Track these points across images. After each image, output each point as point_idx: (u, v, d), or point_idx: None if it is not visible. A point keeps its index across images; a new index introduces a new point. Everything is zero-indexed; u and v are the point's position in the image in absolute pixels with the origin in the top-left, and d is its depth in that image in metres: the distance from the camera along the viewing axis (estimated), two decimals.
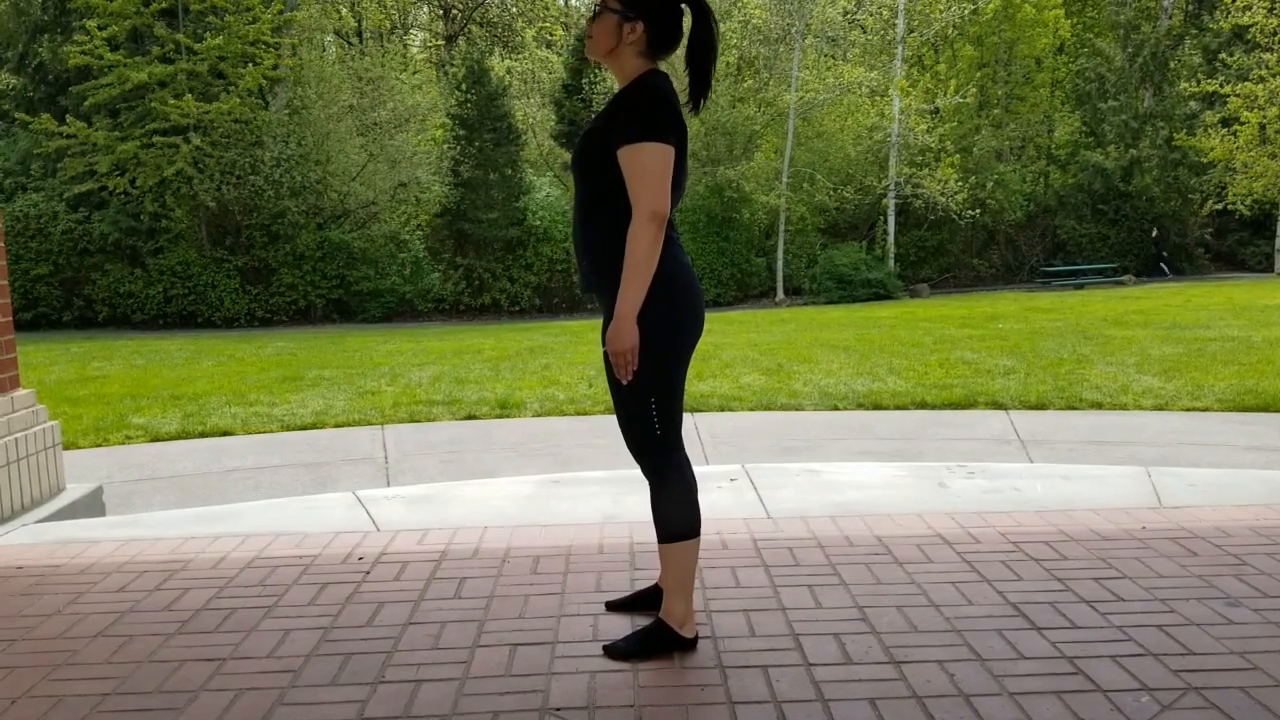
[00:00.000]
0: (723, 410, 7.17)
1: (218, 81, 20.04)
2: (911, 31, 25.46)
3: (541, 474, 5.01)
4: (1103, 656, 2.47)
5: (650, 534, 2.99)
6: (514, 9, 34.76)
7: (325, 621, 2.81)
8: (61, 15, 20.96)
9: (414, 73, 25.78)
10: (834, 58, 24.52)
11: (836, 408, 7.17)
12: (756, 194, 22.07)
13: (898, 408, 7.10)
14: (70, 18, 20.29)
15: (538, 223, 21.65)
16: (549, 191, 22.89)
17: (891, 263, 23.75)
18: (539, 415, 7.19)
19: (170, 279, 20.31)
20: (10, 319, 4.27)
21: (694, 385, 8.05)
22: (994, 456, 5.77)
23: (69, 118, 19.39)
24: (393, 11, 33.66)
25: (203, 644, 2.67)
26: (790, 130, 22.53)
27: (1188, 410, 6.79)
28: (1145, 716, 2.17)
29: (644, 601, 2.79)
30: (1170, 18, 27.67)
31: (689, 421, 6.51)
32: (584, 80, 22.78)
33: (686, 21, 2.47)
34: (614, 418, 2.55)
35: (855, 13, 25.09)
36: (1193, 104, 25.03)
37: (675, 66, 2.54)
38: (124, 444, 6.59)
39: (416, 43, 36.13)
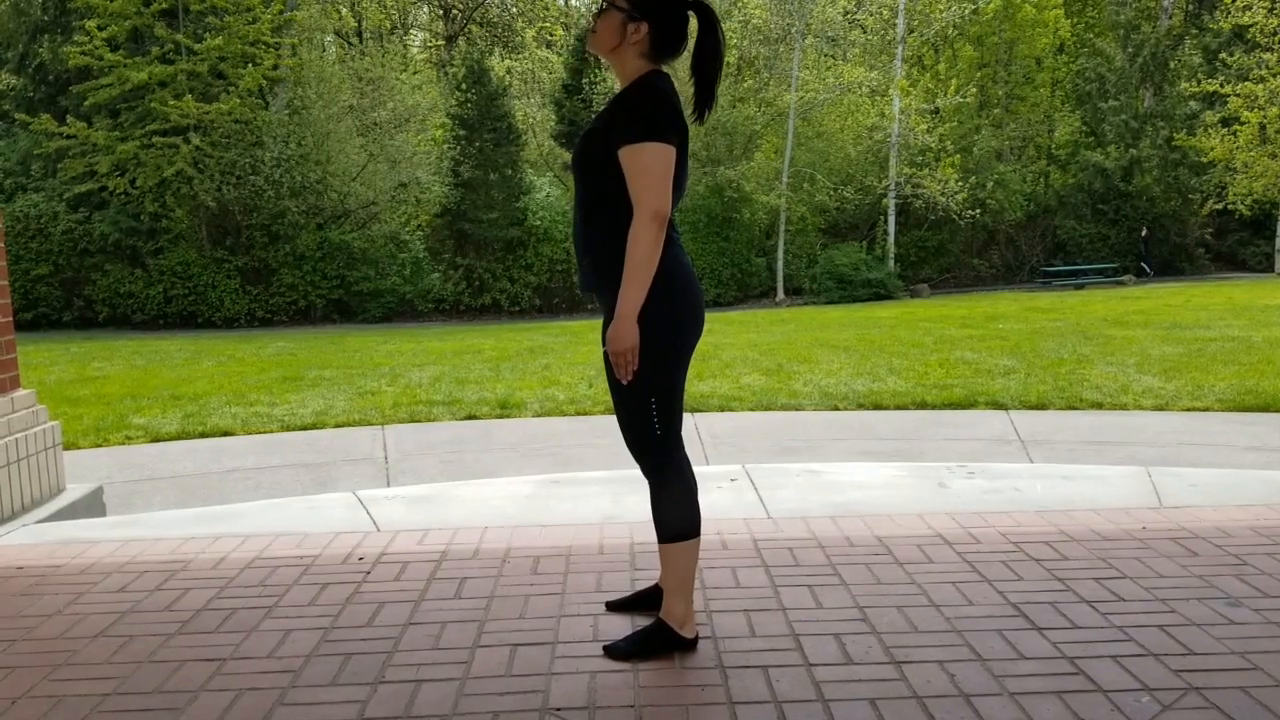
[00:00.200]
0: (723, 410, 7.17)
1: (218, 82, 20.04)
2: (911, 31, 25.47)
3: (542, 474, 5.01)
4: (1103, 656, 2.46)
5: (650, 534, 3.00)
6: (514, 9, 34.77)
7: (325, 622, 2.80)
8: (61, 15, 20.97)
9: (414, 73, 25.79)
10: (834, 58, 24.53)
11: (837, 408, 7.17)
12: (757, 194, 22.07)
13: (898, 408, 7.09)
14: (70, 18, 20.29)
15: (538, 223, 21.66)
16: (549, 192, 22.90)
17: (892, 263, 23.75)
18: (539, 415, 7.19)
19: (170, 279, 20.32)
20: (10, 319, 4.27)
21: (694, 385, 8.05)
22: (994, 456, 5.77)
23: (69, 118, 19.40)
24: (393, 11, 33.66)
25: (203, 644, 2.67)
26: (790, 130, 22.53)
27: (1188, 410, 6.79)
28: (1146, 716, 2.17)
29: (644, 602, 2.79)
30: (1170, 18, 27.68)
31: (689, 421, 6.51)
32: (584, 80, 22.78)
33: (691, 28, 2.47)
34: (614, 418, 2.55)
35: (855, 13, 25.09)
36: (1193, 104, 25.04)
37: (679, 75, 2.54)
38: (124, 444, 6.58)
39: (416, 43, 36.14)
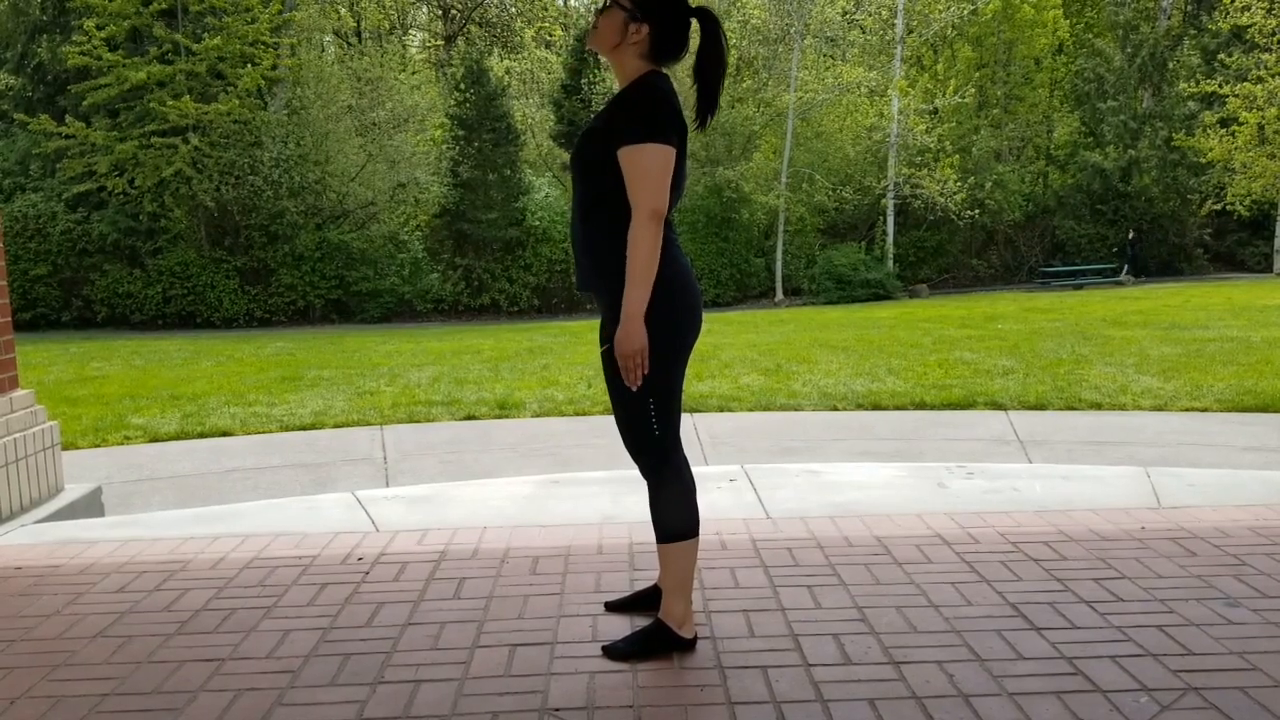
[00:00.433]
0: (722, 411, 7.17)
1: (216, 82, 20.03)
2: (910, 32, 25.48)
3: (541, 474, 5.01)
4: (1102, 657, 2.47)
5: (649, 534, 2.99)
6: (513, 9, 34.77)
7: (324, 622, 2.80)
8: (60, 15, 20.97)
9: (413, 73, 25.78)
10: (833, 58, 24.53)
11: (836, 408, 7.17)
12: (755, 194, 22.08)
13: (897, 408, 7.10)
14: (69, 18, 20.29)
15: (537, 223, 21.66)
16: (548, 192, 22.90)
17: (890, 263, 23.76)
18: (538, 416, 7.19)
19: (169, 279, 20.31)
20: (9, 319, 4.26)
21: (693, 386, 8.05)
22: (993, 457, 5.78)
23: (68, 118, 19.39)
24: (391, 12, 33.65)
25: (202, 644, 2.67)
26: (789, 130, 22.54)
27: (1187, 410, 6.79)
28: (1145, 717, 2.17)
29: (643, 602, 2.79)
30: (1169, 18, 27.70)
31: (688, 422, 6.51)
32: (583, 80, 22.78)
33: (694, 36, 2.48)
34: (612, 418, 2.55)
35: (854, 13, 25.10)
36: (1191, 104, 25.05)
37: (681, 80, 2.54)
38: (123, 444, 6.58)
39: (415, 43, 36.13)
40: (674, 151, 2.33)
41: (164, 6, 19.44)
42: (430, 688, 2.37)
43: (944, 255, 25.36)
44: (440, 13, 35.49)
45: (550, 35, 32.57)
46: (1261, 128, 22.83)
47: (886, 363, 9.34)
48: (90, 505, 4.42)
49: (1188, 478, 4.32)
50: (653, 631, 2.54)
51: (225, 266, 20.56)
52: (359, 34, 31.00)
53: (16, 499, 4.04)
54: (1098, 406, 6.96)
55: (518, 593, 2.99)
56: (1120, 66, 26.01)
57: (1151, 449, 5.83)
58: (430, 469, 5.91)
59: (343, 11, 29.40)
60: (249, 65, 20.04)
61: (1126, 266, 24.63)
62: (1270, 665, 2.41)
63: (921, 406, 7.11)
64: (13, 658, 2.62)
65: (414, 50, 34.75)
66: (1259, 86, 22.70)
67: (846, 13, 24.39)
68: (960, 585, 2.98)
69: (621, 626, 2.70)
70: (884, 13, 25.11)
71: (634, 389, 2.38)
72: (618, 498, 4.12)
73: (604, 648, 2.55)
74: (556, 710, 2.25)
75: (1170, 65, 26.01)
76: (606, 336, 2.47)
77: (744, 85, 23.55)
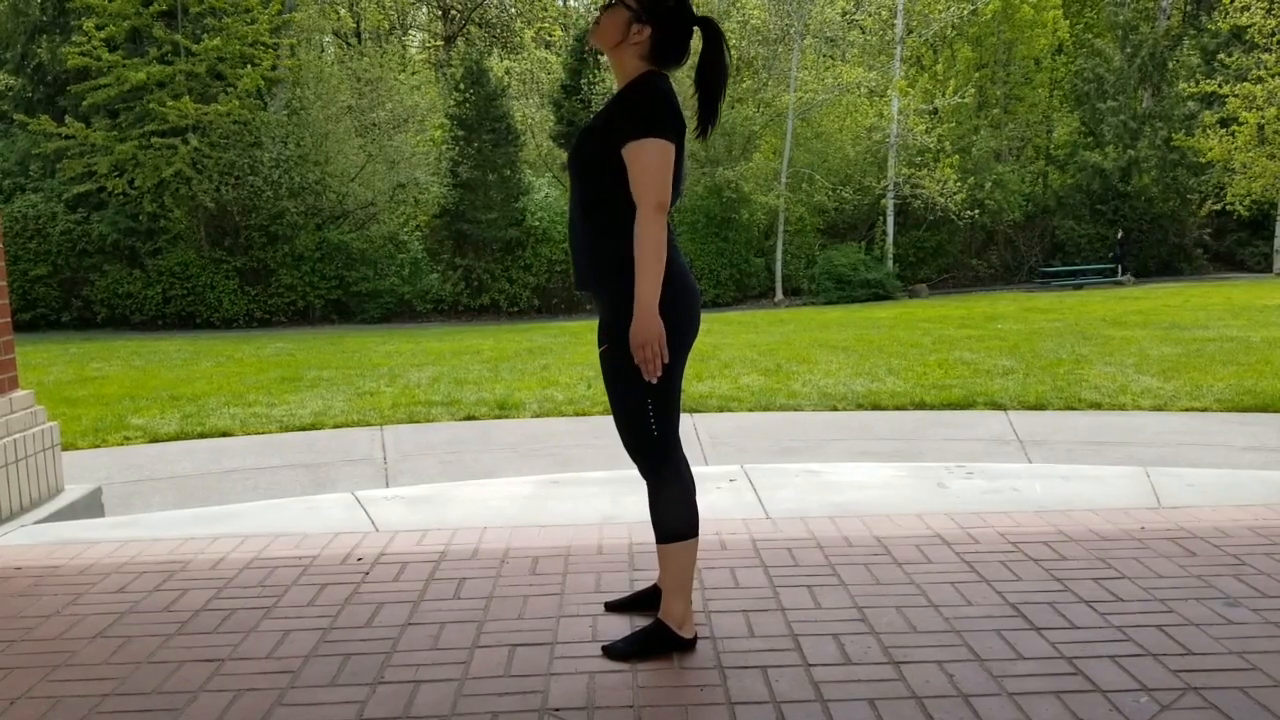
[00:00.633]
0: (722, 411, 7.17)
1: (216, 82, 20.03)
2: (910, 32, 25.48)
3: (540, 474, 5.01)
4: (1102, 657, 2.47)
5: (649, 534, 2.99)
6: (513, 9, 34.77)
7: (324, 622, 2.80)
8: (60, 16, 20.96)
9: (413, 73, 25.77)
10: (833, 58, 24.53)
11: (835, 408, 7.17)
12: (755, 194, 22.07)
13: (897, 408, 7.10)
14: (69, 18, 20.28)
15: (537, 223, 21.66)
16: (548, 192, 22.90)
17: (890, 263, 23.75)
18: (538, 416, 7.19)
19: (169, 280, 20.31)
20: (9, 319, 4.26)
21: (693, 386, 8.05)
22: (993, 457, 5.78)
23: (68, 118, 19.38)
24: (391, 12, 33.66)
25: (202, 645, 2.67)
26: (789, 131, 22.54)
27: (1187, 410, 6.79)
28: (1144, 717, 2.17)
29: (643, 602, 2.79)
30: (1169, 18, 27.70)
31: (688, 422, 6.51)
32: (583, 81, 22.77)
33: (696, 43, 2.48)
34: (612, 418, 2.55)
35: (854, 13, 25.10)
36: (1191, 104, 25.05)
37: (682, 84, 2.55)
38: (123, 445, 6.58)
39: (415, 43, 36.13)
40: (674, 147, 2.33)
41: (164, 7, 19.43)
42: (430, 688, 2.37)
43: (944, 255, 25.36)
44: (440, 13, 35.49)
45: (550, 35, 32.58)
46: (1261, 128, 22.83)
47: (886, 363, 9.34)
48: (90, 506, 4.42)
49: (1187, 478, 4.32)
50: (653, 631, 2.54)
51: (225, 267, 20.55)
52: (359, 34, 31.00)
53: (16, 499, 4.04)
54: (1097, 406, 6.96)
55: (518, 593, 2.99)
56: (1120, 66, 26.01)
57: (1151, 449, 5.83)
58: (430, 469, 5.91)
59: (342, 12, 29.40)
60: (249, 66, 20.03)
61: (1120, 266, 24.64)
62: (1270, 665, 2.41)
63: (921, 406, 7.11)
64: (13, 658, 2.62)
65: (414, 50, 34.76)
66: (1259, 86, 22.69)
67: (846, 13, 24.39)
68: (960, 585, 2.98)
69: (621, 626, 2.70)
70: (884, 13, 25.11)
71: (654, 380, 2.38)
72: (617, 498, 4.12)
73: (604, 648, 2.55)
74: (556, 710, 2.25)
75: (1170, 65, 26.01)
76: (605, 337, 2.47)
77: (744, 85, 23.54)
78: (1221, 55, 23.97)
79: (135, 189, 19.62)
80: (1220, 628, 2.64)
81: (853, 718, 2.19)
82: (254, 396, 8.38)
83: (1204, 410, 6.78)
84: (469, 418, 7.18)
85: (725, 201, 22.23)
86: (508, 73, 26.58)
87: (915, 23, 25.51)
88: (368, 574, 3.21)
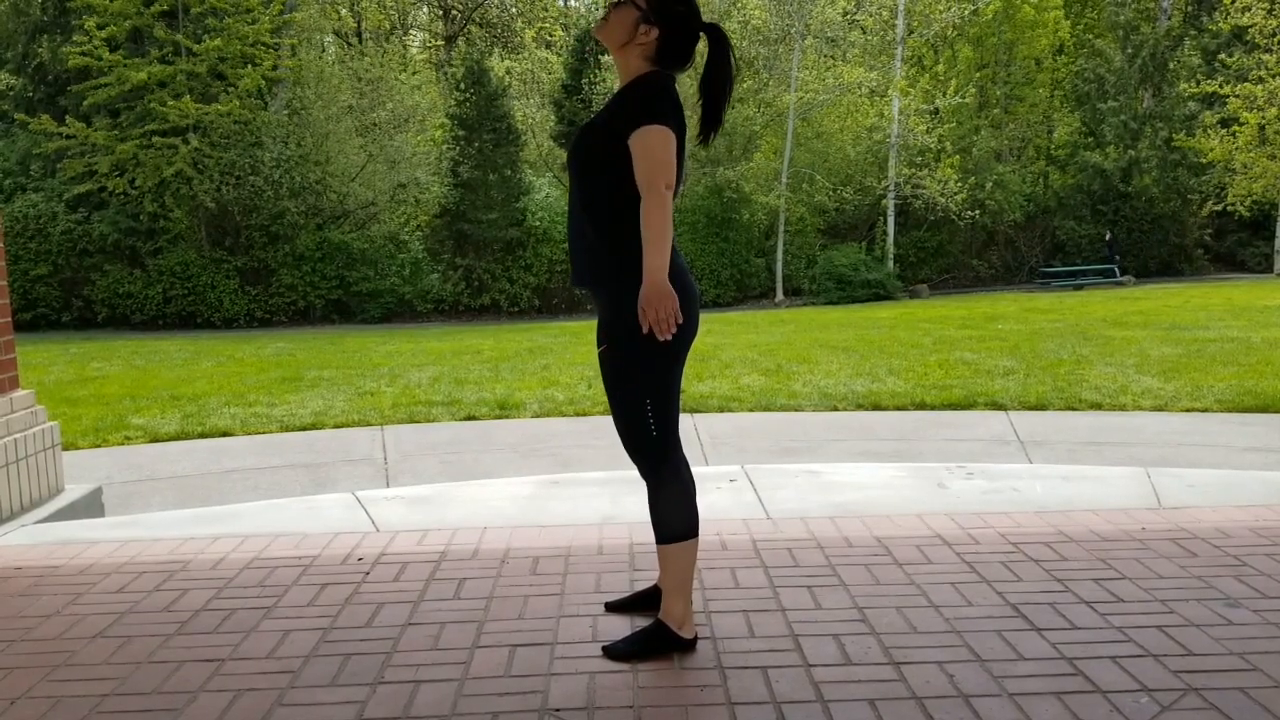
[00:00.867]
0: (722, 411, 7.17)
1: (217, 82, 20.03)
2: (911, 32, 25.47)
3: (541, 475, 5.01)
4: (1102, 657, 2.46)
5: (649, 534, 3.00)
6: (513, 9, 34.77)
7: (324, 622, 2.80)
8: (61, 15, 20.96)
9: (413, 73, 25.79)
10: (833, 58, 24.52)
11: (836, 408, 7.17)
12: (756, 194, 22.07)
13: (897, 408, 7.09)
14: (70, 18, 20.28)
15: (537, 223, 21.65)
16: (548, 192, 22.89)
17: (891, 263, 23.75)
18: (538, 416, 7.19)
19: (170, 279, 20.31)
20: (9, 319, 4.26)
21: (693, 386, 8.05)
22: (993, 457, 5.77)
23: (68, 118, 19.38)
24: (392, 12, 33.68)
25: (202, 645, 2.67)
26: (790, 131, 22.53)
27: (1187, 411, 6.79)
28: (1145, 717, 2.17)
29: (643, 602, 2.79)
30: (1170, 18, 27.69)
31: (688, 422, 6.51)
32: (583, 80, 22.77)
33: (702, 48, 2.49)
34: (612, 418, 2.55)
35: (855, 13, 25.09)
36: (1192, 105, 25.05)
37: (687, 93, 2.56)
38: (123, 444, 6.58)
39: (416, 43, 36.14)
40: (674, 135, 2.34)
41: (165, 7, 19.44)
42: (430, 688, 2.37)
43: (944, 255, 25.36)
44: (440, 13, 35.50)
45: (551, 35, 32.58)
46: (1262, 128, 22.83)
47: (887, 363, 9.34)
48: (90, 505, 4.42)
49: (1188, 478, 4.32)
50: (653, 632, 2.54)
51: (226, 267, 20.55)
52: (359, 34, 31.02)
53: (16, 499, 4.04)
54: (1098, 407, 6.96)
55: (518, 593, 2.99)
56: (1120, 67, 26.01)
57: (1151, 449, 5.83)
58: (430, 469, 5.91)
59: (343, 12, 29.42)
60: (249, 66, 20.03)
61: (1117, 270, 24.64)
62: (1270, 665, 2.41)
63: (922, 407, 7.11)
64: (13, 658, 2.62)
65: (414, 50, 34.76)
66: (1259, 87, 22.69)
67: (847, 13, 24.38)
68: (960, 586, 2.98)
69: (621, 627, 2.70)
70: (884, 13, 25.10)
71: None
72: (618, 498, 4.12)
73: (604, 648, 2.55)
74: (557, 710, 2.25)
75: (1170, 65, 26.01)
76: (605, 337, 2.47)
77: (745, 85, 23.53)
78: (1222, 55, 23.97)
79: (136, 189, 19.62)
80: (1221, 628, 2.63)
81: (853, 718, 2.19)
82: (254, 396, 8.38)
83: (1204, 411, 6.78)
84: (469, 418, 7.18)
85: (726, 201, 22.23)
86: (508, 73, 26.58)
87: (916, 23, 25.51)
88: (368, 574, 3.20)
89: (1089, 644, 2.54)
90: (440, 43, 35.33)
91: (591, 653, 2.54)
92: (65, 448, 5.39)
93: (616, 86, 2.50)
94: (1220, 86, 23.02)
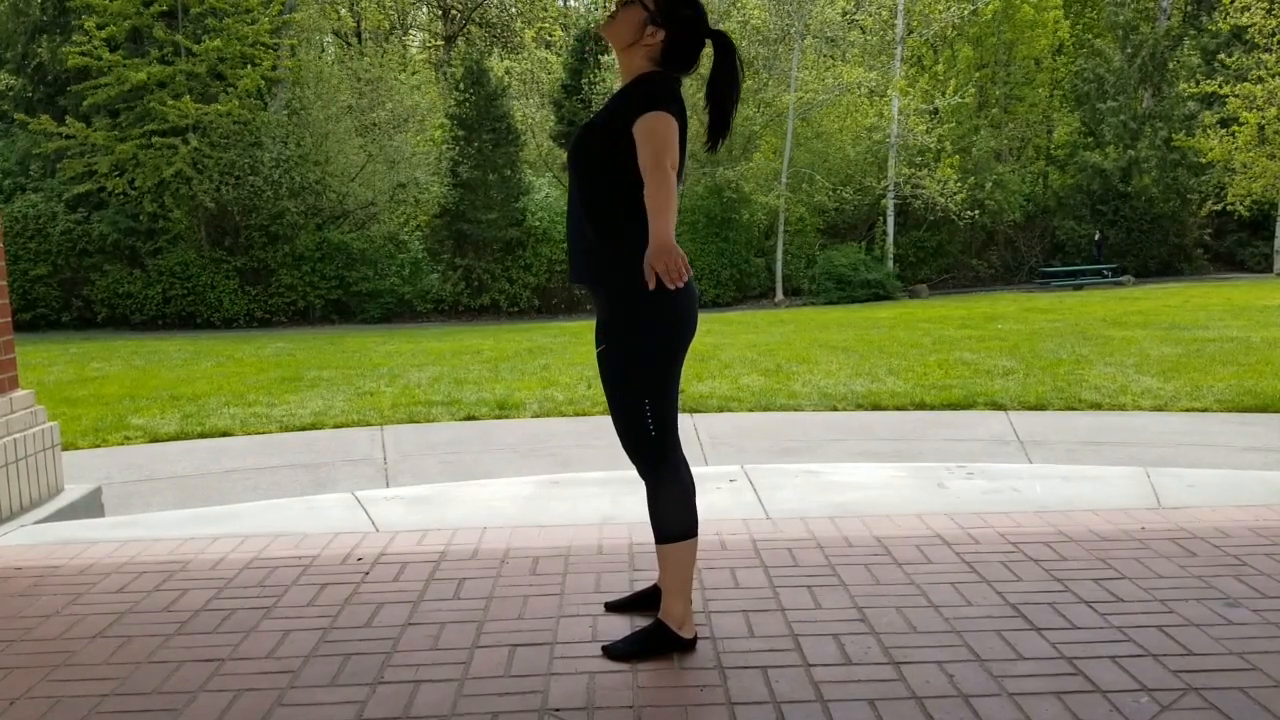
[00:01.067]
0: (721, 411, 7.17)
1: (216, 83, 20.04)
2: (911, 32, 25.48)
3: (540, 475, 5.00)
4: (1102, 657, 2.47)
5: (649, 534, 3.00)
6: (513, 9, 34.76)
7: (324, 622, 2.80)
8: (60, 15, 20.96)
9: (413, 73, 25.79)
10: (833, 58, 24.53)
11: (835, 408, 7.17)
12: (755, 194, 22.07)
13: (897, 408, 7.10)
14: (69, 18, 20.28)
15: (537, 223, 21.66)
16: (548, 192, 22.90)
17: (890, 263, 23.76)
18: (538, 416, 7.19)
19: (169, 279, 20.31)
20: (9, 319, 4.26)
21: (693, 386, 8.05)
22: (993, 457, 5.77)
23: (68, 118, 19.39)
24: (391, 12, 33.67)
25: (202, 645, 2.67)
26: (789, 131, 22.53)
27: (1187, 411, 6.79)
28: (1145, 717, 2.17)
29: (643, 602, 2.79)
30: (1169, 18, 27.70)
31: (688, 422, 6.51)
32: (583, 80, 22.78)
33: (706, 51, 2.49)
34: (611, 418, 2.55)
35: (854, 13, 25.09)
36: (1191, 105, 25.06)
37: (695, 105, 2.58)
38: (123, 445, 6.58)
39: (415, 43, 36.14)
40: (674, 121, 2.34)
41: (164, 7, 19.44)
42: (430, 688, 2.37)
43: (944, 255, 25.37)
44: (440, 13, 35.49)
45: (550, 35, 32.58)
46: (1262, 128, 22.84)
47: (886, 363, 9.34)
48: (90, 505, 4.42)
49: (1188, 478, 4.32)
50: (652, 632, 2.54)
51: (225, 267, 20.56)
52: (359, 34, 31.01)
53: (16, 499, 4.04)
54: (1098, 407, 6.96)
55: (518, 593, 2.99)
56: (1120, 67, 26.02)
57: (1151, 449, 5.83)
58: (430, 469, 5.91)
59: (343, 12, 29.42)
60: (249, 66, 20.04)
61: (1105, 273, 24.63)
62: (1270, 665, 2.41)
63: (921, 407, 7.11)
64: (13, 658, 2.62)
65: (414, 50, 34.77)
66: (1259, 86, 22.69)
67: (846, 13, 24.38)
68: (960, 585, 2.98)
69: (621, 627, 2.70)
70: (884, 13, 25.11)
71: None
72: (617, 498, 4.12)
73: (604, 648, 2.55)
74: (556, 710, 2.25)
75: (1170, 65, 26.02)
76: (603, 337, 2.47)
77: (744, 85, 23.46)
78: (1222, 55, 23.97)
79: (135, 189, 19.62)
80: (1220, 628, 2.64)
81: (853, 718, 2.19)
82: (254, 396, 8.38)
83: (1204, 410, 6.78)
84: (469, 418, 7.18)
85: (725, 201, 22.23)
86: (508, 73, 26.59)
87: (915, 23, 25.51)
88: (368, 574, 3.20)
89: (1089, 644, 2.54)
90: (440, 43, 35.34)
91: (591, 653, 2.54)
92: (65, 448, 5.39)
93: (617, 86, 2.50)
94: (1220, 86, 23.03)
